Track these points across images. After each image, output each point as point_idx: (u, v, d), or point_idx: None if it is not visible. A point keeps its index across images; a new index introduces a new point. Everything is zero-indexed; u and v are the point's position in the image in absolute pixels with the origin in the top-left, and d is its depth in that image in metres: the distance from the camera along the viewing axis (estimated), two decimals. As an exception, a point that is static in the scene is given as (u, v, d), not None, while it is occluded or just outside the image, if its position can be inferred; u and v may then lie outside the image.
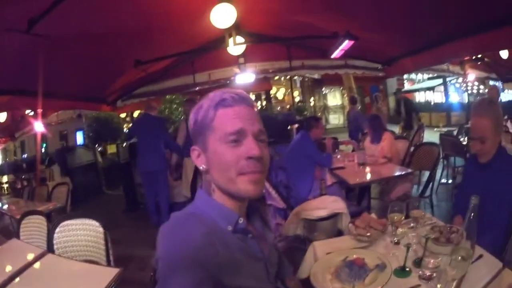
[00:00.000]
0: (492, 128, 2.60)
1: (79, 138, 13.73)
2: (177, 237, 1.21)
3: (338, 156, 6.26)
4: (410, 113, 11.01)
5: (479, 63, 10.23)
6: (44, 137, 14.28)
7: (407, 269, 2.02)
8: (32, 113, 9.37)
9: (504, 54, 7.98)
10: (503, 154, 2.71)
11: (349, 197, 4.92)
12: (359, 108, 11.13)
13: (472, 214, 1.60)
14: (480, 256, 2.03)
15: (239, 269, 1.24)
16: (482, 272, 1.91)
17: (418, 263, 2.00)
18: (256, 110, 1.34)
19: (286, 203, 4.59)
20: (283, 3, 5.28)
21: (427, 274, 1.80)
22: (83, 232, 3.29)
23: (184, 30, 5.64)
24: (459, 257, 1.57)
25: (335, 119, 29.15)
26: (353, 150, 6.20)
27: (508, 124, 9.08)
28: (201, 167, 1.31)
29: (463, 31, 5.07)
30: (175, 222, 1.29)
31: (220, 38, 6.13)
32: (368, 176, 5.09)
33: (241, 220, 1.31)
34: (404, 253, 2.09)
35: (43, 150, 15.21)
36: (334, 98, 30.04)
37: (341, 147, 7.92)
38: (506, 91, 14.89)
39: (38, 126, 8.19)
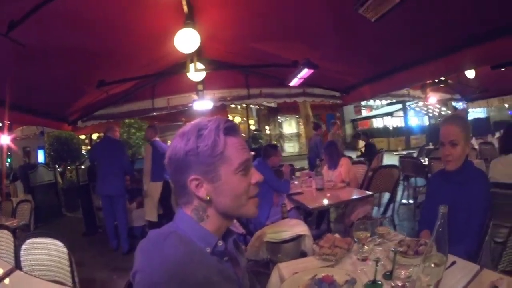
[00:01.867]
0: (462, 134, 2.69)
1: (41, 156, 13.43)
2: (158, 252, 1.22)
3: (296, 182, 6.38)
4: None
5: (441, 85, 10.28)
6: (9, 151, 13.94)
7: (378, 282, 2.04)
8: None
9: (470, 74, 8.09)
10: (470, 166, 2.80)
11: (307, 222, 4.95)
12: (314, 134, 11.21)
13: (442, 222, 1.62)
14: (454, 263, 2.09)
15: None
16: (458, 277, 1.98)
17: (388, 276, 2.03)
18: None
19: (246, 229, 4.64)
20: (245, 30, 5.30)
21: (400, 285, 1.82)
22: (47, 252, 3.22)
23: (148, 53, 5.62)
24: (432, 264, 1.59)
25: (290, 147, 29.91)
26: (310, 177, 6.29)
27: (473, 141, 9.38)
28: (205, 196, 1.30)
29: (425, 56, 5.22)
30: (156, 238, 1.30)
31: (181, 64, 6.12)
32: (327, 200, 5.13)
33: (220, 243, 1.33)
34: (372, 269, 2.11)
35: (7, 164, 14.84)
36: (290, 126, 30.78)
37: (297, 173, 8.07)
38: (471, 110, 15.22)
39: (4, 139, 7.98)
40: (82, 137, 14.79)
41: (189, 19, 4.45)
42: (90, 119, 7.56)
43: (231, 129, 1.33)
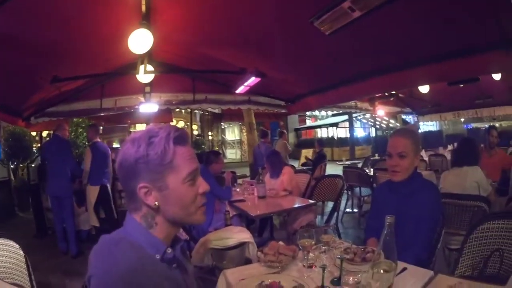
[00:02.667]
0: (412, 147, 2.74)
1: (-4, 151, 12.96)
2: (112, 257, 1.23)
3: (238, 190, 6.41)
4: None
5: (391, 99, 10.34)
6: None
7: (327, 287, 2.05)
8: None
9: (424, 89, 8.22)
10: (418, 177, 2.84)
11: (250, 229, 4.97)
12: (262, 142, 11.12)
13: (388, 232, 1.65)
14: (404, 269, 2.13)
15: None
16: (411, 282, 2.02)
17: (336, 282, 2.06)
18: None
19: (189, 235, 4.63)
20: (197, 35, 5.28)
21: (350, 290, 1.85)
22: (5, 253, 3.09)
23: (102, 51, 5.53)
24: (381, 270, 1.62)
25: (232, 154, 30.11)
26: (252, 184, 6.32)
27: (423, 153, 9.62)
28: (153, 204, 1.31)
29: (378, 70, 5.30)
30: (108, 243, 1.31)
31: (131, 64, 6.05)
32: (269, 208, 5.18)
33: (169, 250, 1.35)
34: (318, 275, 2.12)
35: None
36: (233, 133, 31.12)
37: (239, 181, 8.06)
38: (422, 123, 15.54)
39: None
40: (33, 133, 14.43)
41: (145, 19, 4.39)
42: (42, 115, 7.35)
43: (180, 139, 1.34)
